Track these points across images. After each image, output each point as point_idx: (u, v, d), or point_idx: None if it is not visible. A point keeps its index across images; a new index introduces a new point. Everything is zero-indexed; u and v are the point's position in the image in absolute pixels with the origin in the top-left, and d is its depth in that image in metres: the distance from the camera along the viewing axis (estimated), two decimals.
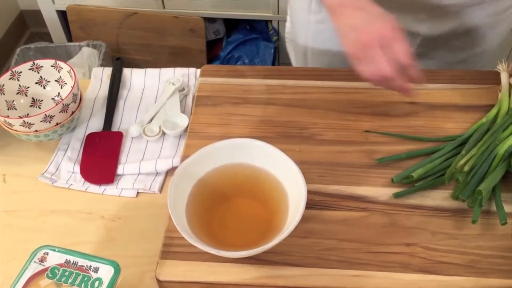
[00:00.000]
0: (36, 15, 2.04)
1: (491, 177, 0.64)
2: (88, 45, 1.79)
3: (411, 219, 0.63)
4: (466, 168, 0.63)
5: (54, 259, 0.55)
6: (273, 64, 1.86)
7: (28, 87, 0.79)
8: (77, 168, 0.72)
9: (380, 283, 0.57)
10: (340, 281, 0.57)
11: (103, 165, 0.73)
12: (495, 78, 0.79)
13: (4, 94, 0.76)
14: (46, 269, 0.54)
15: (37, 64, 0.78)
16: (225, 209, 0.62)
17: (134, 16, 1.84)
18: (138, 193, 0.70)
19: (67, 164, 0.73)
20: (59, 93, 0.79)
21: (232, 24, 1.96)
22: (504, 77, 0.76)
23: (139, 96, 0.83)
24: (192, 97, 0.82)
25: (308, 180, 0.59)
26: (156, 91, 0.84)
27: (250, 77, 0.82)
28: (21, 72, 0.78)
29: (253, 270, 0.58)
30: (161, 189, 0.70)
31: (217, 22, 1.93)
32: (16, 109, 0.77)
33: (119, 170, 0.72)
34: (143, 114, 0.80)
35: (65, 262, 0.55)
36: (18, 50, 1.80)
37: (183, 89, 0.83)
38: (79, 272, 0.54)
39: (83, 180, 0.72)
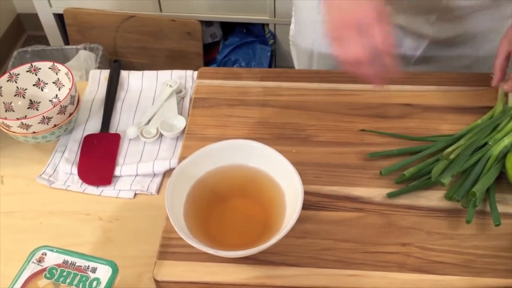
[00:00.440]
0: (33, 18, 2.04)
1: (485, 178, 0.64)
2: (85, 48, 1.80)
3: (406, 219, 0.63)
4: (452, 156, 0.65)
5: (52, 259, 0.55)
6: (269, 67, 1.86)
7: (26, 89, 0.79)
8: (75, 170, 0.73)
9: (376, 283, 0.58)
10: (337, 281, 0.58)
11: (100, 167, 0.73)
12: (489, 80, 0.79)
13: (2, 96, 0.76)
14: (44, 270, 0.54)
15: (35, 66, 0.78)
16: (223, 210, 0.63)
17: (131, 19, 1.85)
18: (135, 194, 0.71)
19: (64, 165, 0.73)
20: (56, 95, 0.80)
21: (228, 28, 1.97)
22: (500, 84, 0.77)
23: (136, 98, 0.84)
24: (189, 99, 0.82)
25: (304, 181, 0.60)
26: (153, 93, 0.84)
27: (247, 79, 0.82)
28: (19, 74, 0.78)
29: (251, 270, 0.59)
30: (158, 190, 0.71)
31: (214, 25, 1.94)
32: (13, 111, 0.78)
33: (117, 172, 0.72)
34: (141, 116, 0.80)
35: (63, 263, 0.55)
36: (15, 53, 1.81)
37: (180, 91, 0.83)
38: (77, 272, 0.54)
39: (80, 181, 0.72)
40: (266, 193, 0.63)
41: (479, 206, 0.63)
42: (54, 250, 0.56)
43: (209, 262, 0.59)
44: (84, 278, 0.54)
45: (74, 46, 1.82)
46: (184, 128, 0.76)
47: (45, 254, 0.55)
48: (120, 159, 0.74)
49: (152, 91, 0.84)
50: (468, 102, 0.77)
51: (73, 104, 0.74)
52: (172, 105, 0.80)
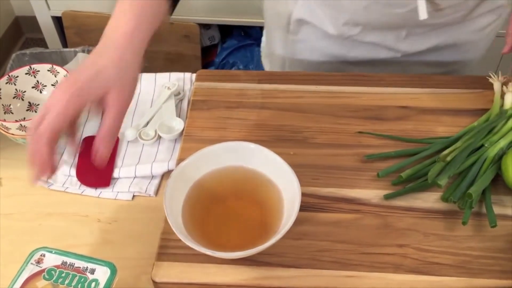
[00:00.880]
0: (31, 21, 2.05)
1: (482, 180, 0.65)
2: (83, 51, 1.79)
3: (403, 221, 0.64)
4: (448, 158, 0.65)
5: (51, 260, 0.55)
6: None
7: (25, 91, 0.79)
8: (73, 172, 0.73)
9: (373, 284, 0.58)
10: (334, 282, 0.58)
11: (99, 169, 0.73)
12: (486, 83, 0.80)
13: (0, 98, 0.77)
14: (43, 271, 0.55)
15: (33, 68, 0.79)
16: (221, 211, 0.63)
17: None
18: (134, 196, 0.71)
19: (63, 167, 0.74)
20: None
21: (227, 30, 1.97)
22: (496, 87, 0.77)
23: (135, 100, 0.84)
24: (187, 101, 0.83)
25: (302, 183, 0.60)
26: (151, 96, 0.84)
27: (245, 82, 0.83)
28: (17, 76, 0.78)
29: (248, 271, 0.59)
30: (156, 192, 0.71)
31: (212, 28, 1.94)
32: (12, 113, 0.78)
33: (115, 174, 0.73)
34: (139, 118, 0.81)
35: (61, 264, 0.55)
36: (13, 55, 1.80)
37: (179, 93, 0.84)
38: (76, 273, 0.54)
39: (79, 183, 0.72)
40: (264, 195, 0.63)
41: (475, 208, 0.64)
42: (53, 252, 0.56)
43: (207, 263, 0.60)
44: (82, 279, 0.54)
45: (72, 49, 1.82)
46: (182, 130, 0.76)
47: (44, 256, 0.56)
48: (119, 161, 0.75)
49: (150, 93, 0.85)
50: (465, 105, 0.78)
51: None
52: (170, 108, 0.81)
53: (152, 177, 0.73)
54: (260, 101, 0.79)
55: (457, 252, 0.60)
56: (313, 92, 0.81)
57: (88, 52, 1.79)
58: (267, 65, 1.05)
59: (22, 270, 0.55)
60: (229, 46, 1.90)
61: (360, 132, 0.74)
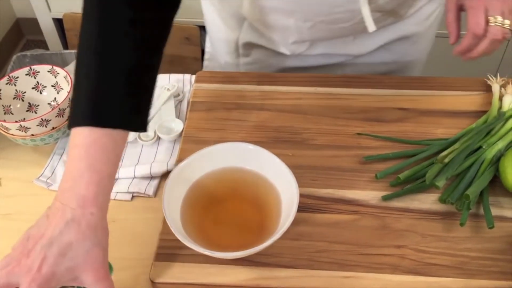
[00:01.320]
0: (32, 23, 2.05)
1: (479, 181, 0.65)
2: None
3: (401, 222, 0.64)
4: (446, 160, 0.65)
5: None
6: None
7: (25, 92, 0.80)
8: None
9: (371, 284, 0.58)
10: (331, 283, 0.58)
11: None
12: (484, 85, 0.81)
13: (1, 98, 0.77)
14: None
15: (33, 69, 0.79)
16: (219, 212, 0.63)
17: None
18: (133, 196, 0.71)
19: (63, 168, 0.74)
20: (55, 98, 0.80)
21: None
22: (495, 89, 0.78)
23: None
24: (186, 102, 0.83)
25: (300, 184, 0.60)
26: None
27: (244, 83, 0.83)
28: (18, 77, 0.79)
29: (247, 272, 0.59)
30: (155, 193, 0.71)
31: None
32: (12, 113, 0.78)
33: None
34: None
35: None
36: (14, 57, 1.81)
37: (178, 94, 0.84)
38: None
39: None
40: (262, 195, 0.63)
41: (473, 209, 0.64)
42: None
43: (205, 264, 0.60)
44: None
45: (73, 51, 1.82)
46: (182, 131, 0.77)
47: None
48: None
49: None
50: (463, 107, 0.78)
51: None
52: (170, 109, 0.81)
53: (151, 177, 0.73)
54: (259, 103, 0.80)
55: (455, 253, 0.61)
56: (312, 93, 0.81)
57: None
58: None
59: None
60: None
61: (359, 134, 0.74)
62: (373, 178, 0.68)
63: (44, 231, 0.50)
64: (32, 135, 0.72)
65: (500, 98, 0.76)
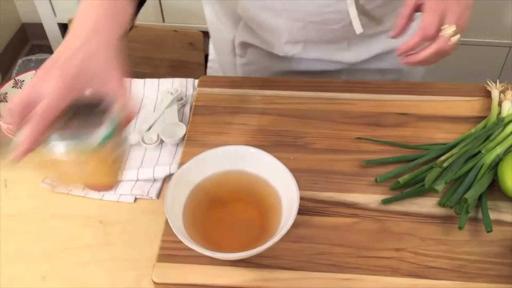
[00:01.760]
0: (37, 28, 2.07)
1: (478, 185, 0.66)
2: None
3: (400, 225, 0.64)
4: (445, 164, 0.66)
5: None
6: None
7: None
8: None
9: (370, 287, 0.59)
10: (331, 285, 0.59)
11: None
12: (483, 91, 0.81)
13: (7, 101, 0.78)
14: None
15: None
16: (221, 214, 0.64)
17: (134, 29, 1.85)
18: (136, 199, 0.72)
19: None
20: None
21: None
22: (494, 94, 0.78)
23: (138, 105, 0.85)
24: (189, 106, 0.84)
25: (301, 187, 0.61)
26: (154, 101, 0.86)
27: (246, 88, 0.84)
28: (23, 80, 0.80)
29: (248, 273, 0.60)
30: (158, 195, 0.72)
31: None
32: None
33: (118, 177, 0.74)
34: (142, 122, 0.82)
35: None
36: (19, 61, 1.83)
37: (181, 98, 0.85)
38: None
39: (82, 186, 0.73)
40: (263, 198, 0.64)
41: (472, 213, 0.65)
42: None
43: (207, 265, 0.61)
44: None
45: None
46: (185, 134, 0.78)
47: None
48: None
49: (153, 98, 0.86)
50: (462, 112, 0.79)
51: None
52: (173, 112, 0.82)
53: (154, 180, 0.74)
54: (261, 107, 0.81)
55: (454, 256, 0.61)
56: (313, 98, 0.82)
57: None
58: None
59: None
60: None
61: (359, 138, 0.75)
62: (373, 182, 0.69)
63: (64, 50, 0.51)
64: None
65: (500, 104, 0.77)
